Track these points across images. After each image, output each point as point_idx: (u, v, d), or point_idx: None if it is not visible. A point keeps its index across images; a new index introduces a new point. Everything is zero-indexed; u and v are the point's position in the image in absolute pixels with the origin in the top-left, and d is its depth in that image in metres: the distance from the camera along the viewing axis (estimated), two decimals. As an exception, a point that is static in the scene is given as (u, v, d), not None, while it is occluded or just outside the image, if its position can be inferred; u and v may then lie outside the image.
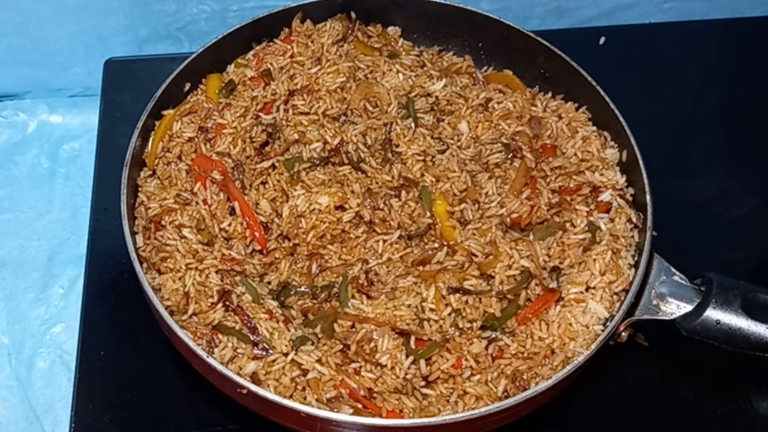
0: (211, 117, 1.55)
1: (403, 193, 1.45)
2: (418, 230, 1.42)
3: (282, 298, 1.37)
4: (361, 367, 1.29)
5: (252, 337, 1.30)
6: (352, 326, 1.33)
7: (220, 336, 1.31)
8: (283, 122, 1.53)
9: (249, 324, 1.31)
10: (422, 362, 1.31)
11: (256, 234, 1.41)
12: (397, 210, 1.44)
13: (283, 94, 1.56)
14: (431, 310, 1.34)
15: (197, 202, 1.44)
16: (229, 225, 1.42)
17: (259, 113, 1.55)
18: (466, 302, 1.35)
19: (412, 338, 1.32)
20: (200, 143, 1.52)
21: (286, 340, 1.30)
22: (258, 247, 1.42)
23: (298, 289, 1.38)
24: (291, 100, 1.55)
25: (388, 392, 1.28)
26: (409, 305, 1.33)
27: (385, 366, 1.29)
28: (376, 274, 1.39)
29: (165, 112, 1.55)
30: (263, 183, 1.47)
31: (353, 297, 1.36)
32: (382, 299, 1.35)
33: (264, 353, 1.29)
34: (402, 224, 1.43)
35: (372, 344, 1.30)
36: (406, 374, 1.29)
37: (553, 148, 1.53)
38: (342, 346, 1.31)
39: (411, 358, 1.30)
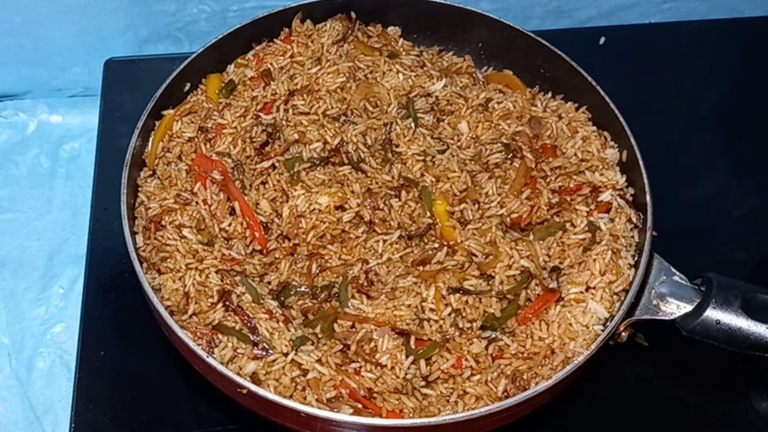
0: (211, 117, 1.55)
1: (403, 193, 1.45)
2: (418, 230, 1.42)
3: (282, 298, 1.37)
4: (361, 367, 1.29)
5: (252, 337, 1.30)
6: (352, 326, 1.33)
7: (220, 336, 1.31)
8: (283, 122, 1.53)
9: (249, 324, 1.31)
10: (422, 362, 1.31)
11: (256, 234, 1.41)
12: (397, 210, 1.44)
13: (283, 94, 1.56)
14: (431, 310, 1.34)
15: (197, 202, 1.44)
16: (229, 225, 1.42)
17: (259, 113, 1.55)
18: (466, 302, 1.35)
19: (412, 338, 1.31)
20: (200, 143, 1.52)
21: (286, 340, 1.30)
22: (258, 247, 1.42)
23: (298, 289, 1.38)
24: (291, 100, 1.55)
25: (388, 392, 1.28)
26: (409, 305, 1.33)
27: (385, 366, 1.29)
28: (376, 274, 1.38)
29: (165, 112, 1.55)
30: (263, 183, 1.47)
31: (353, 297, 1.36)
32: (382, 299, 1.35)
33: (264, 353, 1.29)
34: (402, 224, 1.43)
35: (372, 344, 1.30)
36: (406, 374, 1.29)
37: (553, 148, 1.53)
38: (342, 346, 1.31)
39: (411, 358, 1.30)
